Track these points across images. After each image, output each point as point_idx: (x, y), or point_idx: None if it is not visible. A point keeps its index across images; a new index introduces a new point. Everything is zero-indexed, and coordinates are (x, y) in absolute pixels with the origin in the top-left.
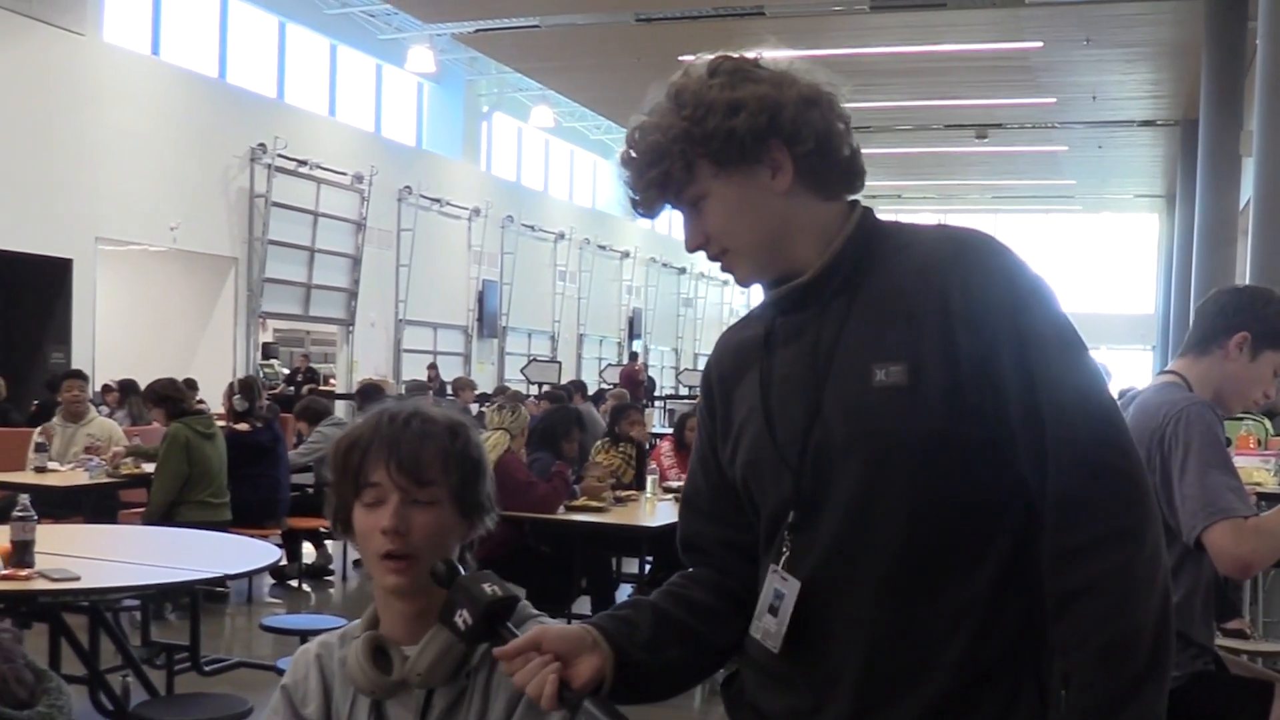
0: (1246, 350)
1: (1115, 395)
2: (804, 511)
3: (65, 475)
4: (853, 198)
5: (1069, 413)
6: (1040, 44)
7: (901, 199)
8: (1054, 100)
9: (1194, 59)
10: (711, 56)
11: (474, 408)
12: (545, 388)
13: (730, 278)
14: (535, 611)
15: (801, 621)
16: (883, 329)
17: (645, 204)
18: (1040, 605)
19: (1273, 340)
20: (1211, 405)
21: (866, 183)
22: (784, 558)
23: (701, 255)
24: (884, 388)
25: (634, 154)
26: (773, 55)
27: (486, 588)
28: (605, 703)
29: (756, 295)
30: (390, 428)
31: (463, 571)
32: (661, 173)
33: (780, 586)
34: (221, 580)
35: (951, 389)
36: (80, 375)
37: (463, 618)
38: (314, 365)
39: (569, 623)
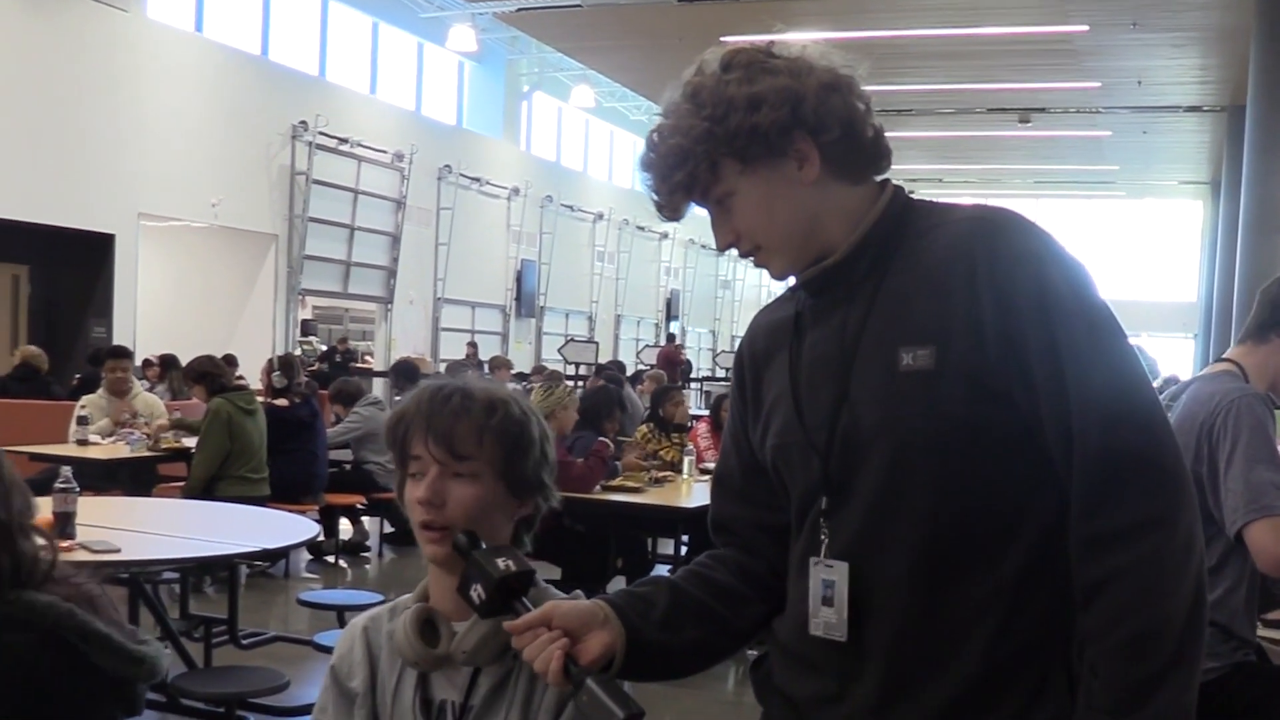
0: None
1: (1159, 383)
2: (835, 498)
3: (106, 448)
4: (882, 178)
5: (1096, 398)
6: (1086, 27)
7: (942, 183)
8: (1099, 85)
9: (1243, 44)
10: (723, 51)
11: (510, 387)
12: (583, 368)
13: None
14: (558, 593)
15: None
16: (910, 312)
17: (670, 207)
18: (1070, 592)
19: None
20: (1265, 398)
21: (907, 166)
22: (823, 546)
23: None
24: (910, 372)
25: (655, 157)
26: (786, 39)
27: (500, 562)
28: (609, 682)
29: (792, 278)
30: (430, 403)
31: (482, 545)
32: (687, 174)
33: (827, 575)
34: (260, 554)
35: (978, 373)
36: (125, 353)
37: (477, 592)
38: (352, 343)
39: None
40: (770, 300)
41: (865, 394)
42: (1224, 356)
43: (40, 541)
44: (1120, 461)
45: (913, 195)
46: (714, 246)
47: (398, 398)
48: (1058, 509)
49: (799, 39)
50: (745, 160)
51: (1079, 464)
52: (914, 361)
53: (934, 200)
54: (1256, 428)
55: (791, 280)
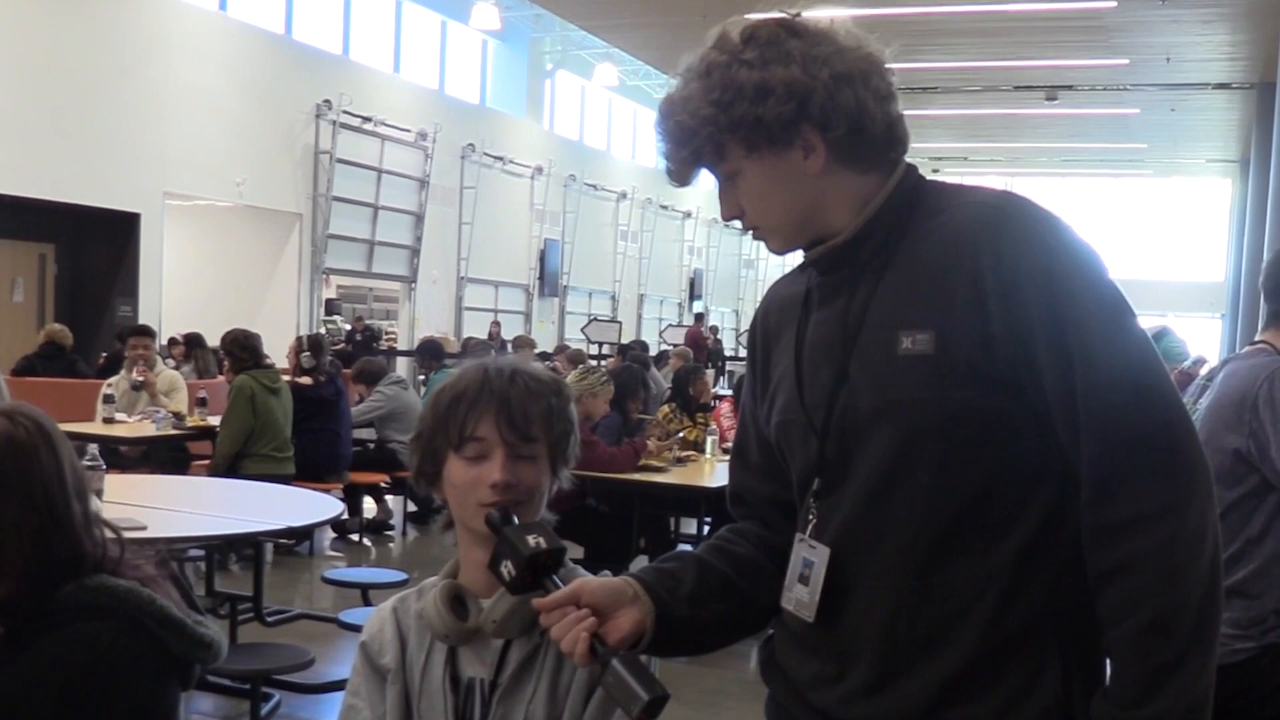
0: None
1: (1189, 364)
2: (829, 478)
3: (132, 426)
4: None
5: (1104, 383)
6: (1114, 4)
7: (968, 161)
8: (1126, 61)
9: (1272, 20)
10: (747, 23)
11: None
12: (605, 347)
13: None
14: (583, 572)
15: (827, 589)
16: (913, 296)
17: (679, 176)
18: (1069, 578)
19: None
20: None
21: (933, 145)
22: (810, 525)
23: None
24: (909, 356)
25: (664, 129)
26: (814, 14)
27: (530, 539)
28: (636, 662)
29: None
30: (499, 382)
31: (514, 521)
32: (691, 152)
33: (809, 555)
34: (285, 532)
35: (979, 359)
36: (147, 332)
37: (507, 568)
38: (373, 322)
39: None
40: (778, 279)
41: (864, 376)
42: (1256, 340)
43: (109, 533)
44: (1129, 448)
45: (935, 174)
46: (737, 226)
47: (422, 377)
48: (1059, 495)
49: (825, 14)
50: (750, 147)
51: (1087, 451)
52: (913, 345)
53: (946, 182)
54: None
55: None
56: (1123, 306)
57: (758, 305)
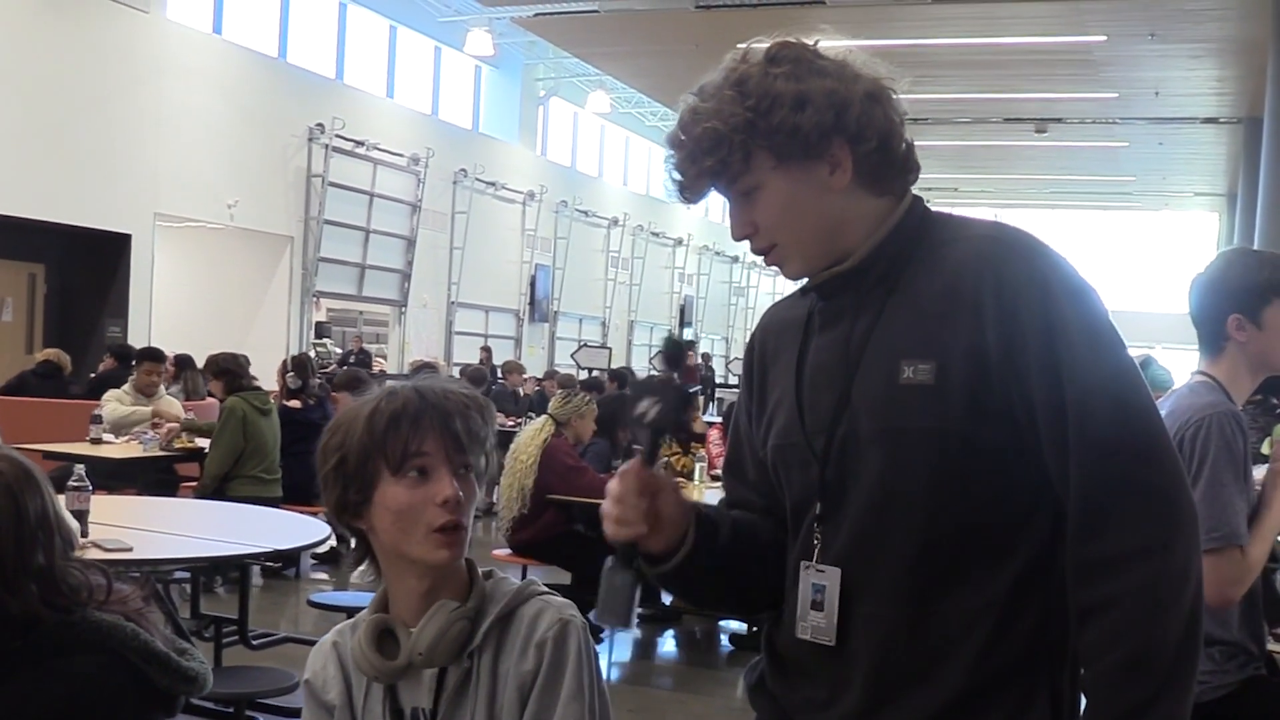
0: (1248, 326)
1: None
2: (829, 503)
3: (121, 447)
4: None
5: (1095, 423)
6: (1104, 38)
7: (958, 192)
8: (1115, 95)
9: (1260, 56)
10: (770, 42)
11: (520, 391)
12: (595, 373)
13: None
14: (543, 589)
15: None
16: (915, 325)
17: (693, 190)
18: (1059, 612)
19: (1261, 298)
20: (1236, 416)
21: (923, 175)
22: (815, 551)
23: None
24: (909, 385)
25: (685, 138)
26: (830, 44)
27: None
28: (644, 574)
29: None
30: (436, 399)
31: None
32: (718, 161)
33: (818, 580)
34: (271, 555)
35: (977, 391)
36: (160, 357)
37: (652, 406)
38: (366, 345)
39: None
40: (776, 301)
41: (865, 403)
42: (1196, 371)
43: (98, 577)
44: (1117, 487)
45: (930, 206)
46: (729, 253)
47: None
48: (1053, 529)
49: (831, 45)
50: (780, 157)
51: (1075, 487)
52: (914, 375)
53: (952, 213)
54: (1223, 447)
55: (803, 281)
56: (1119, 347)
57: (753, 327)
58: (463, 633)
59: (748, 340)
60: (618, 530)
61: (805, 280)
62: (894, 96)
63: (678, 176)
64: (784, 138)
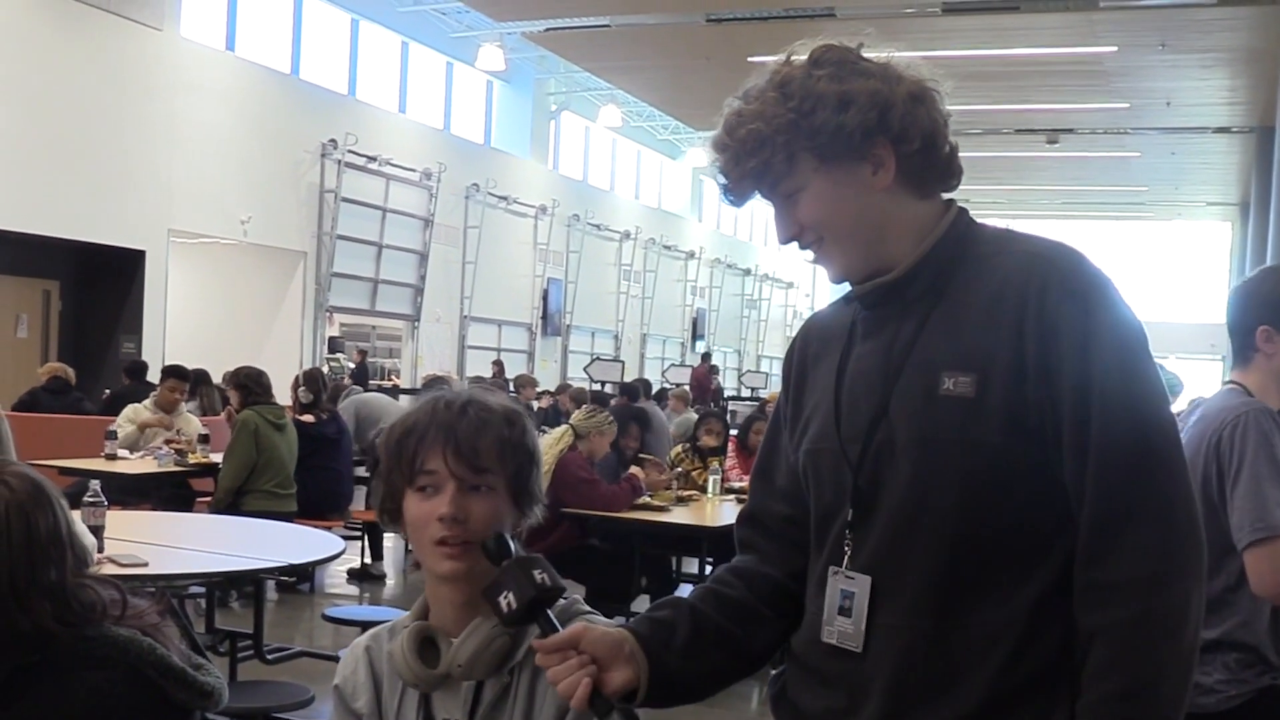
0: (1277, 338)
1: (1185, 405)
2: (861, 511)
3: (135, 463)
4: (948, 196)
5: (1116, 449)
6: (1114, 48)
7: (970, 204)
8: (1127, 105)
9: (1272, 65)
10: (814, 45)
11: (534, 404)
12: (609, 386)
13: (794, 281)
14: (586, 608)
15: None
16: (958, 338)
17: (737, 192)
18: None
19: None
20: (1272, 413)
21: None
22: (845, 557)
23: (766, 257)
24: (949, 397)
25: (729, 140)
26: (872, 54)
27: (536, 574)
28: (632, 715)
29: (820, 299)
30: (447, 414)
31: (514, 550)
32: (761, 162)
33: (847, 586)
34: (286, 570)
35: (1014, 405)
36: (184, 374)
37: (507, 600)
38: (378, 360)
39: (627, 621)
40: (798, 322)
41: (903, 413)
42: (1227, 381)
43: (112, 593)
44: (1128, 515)
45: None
46: (741, 266)
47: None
48: (1075, 550)
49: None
50: (823, 158)
51: (1088, 509)
52: (954, 387)
53: (998, 226)
54: (1262, 442)
55: (821, 293)
56: (1152, 375)
57: (795, 333)
58: (504, 647)
59: (788, 348)
60: (569, 689)
61: (846, 286)
62: (938, 98)
63: (723, 179)
64: (827, 138)
